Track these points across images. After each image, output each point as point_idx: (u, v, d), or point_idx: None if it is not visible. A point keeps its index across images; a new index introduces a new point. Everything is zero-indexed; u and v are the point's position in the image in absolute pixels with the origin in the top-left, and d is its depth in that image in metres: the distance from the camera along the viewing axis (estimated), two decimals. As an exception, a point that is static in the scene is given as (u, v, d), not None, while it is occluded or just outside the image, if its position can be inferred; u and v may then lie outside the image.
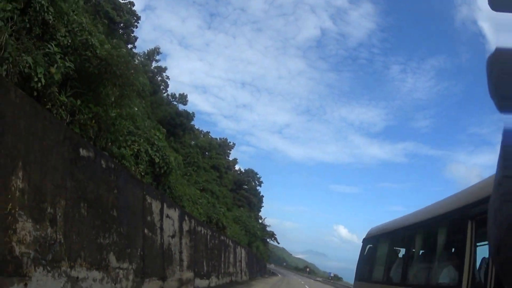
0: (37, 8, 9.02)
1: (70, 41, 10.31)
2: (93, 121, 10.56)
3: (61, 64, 9.21)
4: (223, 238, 28.17)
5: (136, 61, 41.48)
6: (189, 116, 50.24)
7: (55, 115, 8.77)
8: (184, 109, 51.78)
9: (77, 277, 8.37)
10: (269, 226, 76.07)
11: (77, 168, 8.53)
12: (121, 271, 10.47)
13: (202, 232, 21.30)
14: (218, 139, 68.93)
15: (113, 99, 11.22)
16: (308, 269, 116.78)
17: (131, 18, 44.75)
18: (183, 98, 53.69)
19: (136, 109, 16.25)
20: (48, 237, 7.37)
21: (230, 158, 68.81)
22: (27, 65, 8.20)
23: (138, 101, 20.21)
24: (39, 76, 8.38)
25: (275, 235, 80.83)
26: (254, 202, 68.24)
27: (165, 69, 51.85)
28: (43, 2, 9.21)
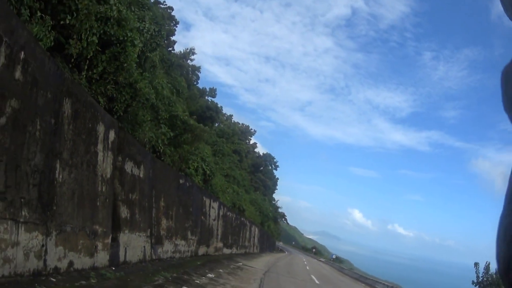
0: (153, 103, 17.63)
1: (167, 115, 18.91)
2: (178, 157, 19.27)
3: (168, 134, 17.86)
4: (242, 219, 37.26)
5: (173, 60, 49.61)
6: (218, 109, 58.71)
7: (169, 164, 17.53)
8: (212, 100, 60.33)
9: (176, 244, 17.20)
10: (280, 207, 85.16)
11: (179, 190, 17.33)
12: (191, 240, 19.34)
13: (229, 215, 30.23)
14: (241, 124, 77.84)
15: (190, 147, 19.91)
16: (314, 250, 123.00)
17: (172, 27, 52.78)
18: (212, 92, 62.18)
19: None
20: (170, 226, 16.20)
21: (251, 142, 77.68)
22: (154, 139, 16.85)
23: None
24: (160, 146, 17.05)
25: (286, 216, 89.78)
26: (269, 185, 77.39)
27: (199, 68, 60.07)
28: (159, 103, 17.84)
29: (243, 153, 65.39)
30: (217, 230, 25.40)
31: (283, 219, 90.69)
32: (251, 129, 76.92)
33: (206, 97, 60.50)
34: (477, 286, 33.83)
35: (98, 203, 9.75)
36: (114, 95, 13.23)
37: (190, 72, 59.96)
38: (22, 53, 6.93)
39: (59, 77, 8.22)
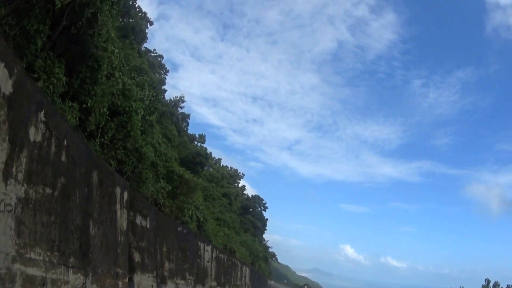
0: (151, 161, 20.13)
1: (165, 171, 21.37)
2: (175, 207, 21.66)
3: (166, 188, 20.28)
4: (234, 260, 39.29)
5: (165, 109, 52.38)
6: (207, 155, 61.23)
7: (168, 214, 19.90)
8: (202, 146, 63.05)
9: (177, 283, 19.38)
10: (271, 247, 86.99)
11: (177, 237, 19.64)
12: (189, 280, 21.51)
13: (222, 257, 32.34)
14: (229, 168, 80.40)
15: (185, 198, 22.34)
16: (305, 287, 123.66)
17: (162, 75, 55.76)
18: (202, 138, 64.80)
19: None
20: (171, 268, 18.44)
21: (239, 185, 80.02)
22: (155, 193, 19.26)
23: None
24: (160, 199, 19.44)
25: (276, 255, 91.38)
26: (258, 226, 79.41)
27: (188, 115, 62.86)
28: (159, 163, 20.34)
29: (232, 196, 67.58)
30: (211, 270, 27.50)
31: (273, 258, 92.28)
32: (240, 173, 79.46)
33: (196, 143, 63.23)
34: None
35: (118, 251, 12.12)
36: (123, 158, 15.73)
37: (180, 120, 62.81)
38: (65, 141, 9.41)
39: (88, 154, 10.72)
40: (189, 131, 65.73)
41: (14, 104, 6.93)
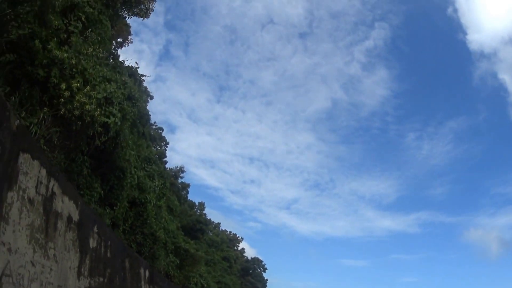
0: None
1: (173, 247, 24.71)
2: (183, 277, 24.85)
3: (175, 262, 23.57)
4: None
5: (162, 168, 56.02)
6: (207, 222, 64.40)
7: (177, 283, 23.12)
8: (201, 213, 66.49)
9: None
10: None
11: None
12: None
13: (225, 321, 35.12)
14: (228, 232, 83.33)
15: (191, 268, 25.57)
16: None
17: (163, 147, 59.56)
18: (201, 206, 68.14)
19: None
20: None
21: (239, 248, 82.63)
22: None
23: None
24: (170, 271, 22.70)
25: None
26: (258, 287, 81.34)
27: (188, 185, 66.35)
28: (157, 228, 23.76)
29: (232, 259, 70.09)
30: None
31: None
32: (238, 236, 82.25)
33: (196, 210, 66.59)
34: None
35: (144, 320, 15.46)
36: (142, 242, 19.18)
37: (181, 189, 66.39)
38: (109, 242, 12.96)
39: (122, 247, 14.28)
40: (189, 197, 69.27)
41: (80, 226, 10.54)
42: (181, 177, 68.15)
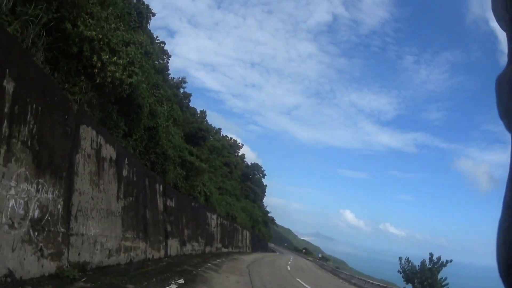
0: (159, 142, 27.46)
1: (180, 160, 28.69)
2: (189, 187, 29.15)
3: (182, 173, 27.65)
4: (235, 225, 47.38)
5: (168, 92, 59.24)
6: (208, 129, 68.52)
7: (184, 193, 27.46)
8: (205, 122, 70.54)
9: (193, 245, 27.06)
10: (270, 212, 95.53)
11: (192, 210, 27.24)
12: (201, 242, 29.23)
13: (225, 223, 40.21)
14: (229, 138, 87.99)
15: (196, 179, 29.79)
16: (304, 250, 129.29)
17: (165, 61, 62.11)
18: (203, 114, 71.98)
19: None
20: (189, 234, 26.11)
21: (239, 154, 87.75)
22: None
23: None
24: (178, 182, 26.90)
25: (275, 220, 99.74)
26: (258, 192, 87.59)
27: (190, 94, 69.71)
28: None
29: (233, 165, 75.23)
30: (217, 234, 35.35)
31: (272, 222, 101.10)
32: (239, 143, 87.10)
33: (197, 117, 70.50)
34: (402, 274, 46.27)
35: (159, 225, 19.65)
36: (155, 160, 23.01)
37: (183, 98, 69.83)
38: (135, 168, 16.66)
39: (143, 169, 18.05)
40: (190, 102, 72.89)
41: (117, 163, 14.20)
42: (183, 87, 71.42)
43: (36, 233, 8.43)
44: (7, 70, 7.86)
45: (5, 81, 7.78)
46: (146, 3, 36.37)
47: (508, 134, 0.98)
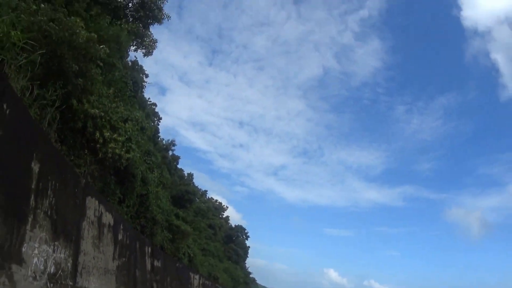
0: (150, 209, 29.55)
1: (167, 224, 30.73)
2: (174, 249, 31.04)
3: (169, 236, 29.64)
4: (217, 285, 48.83)
5: (159, 158, 61.75)
6: (195, 192, 70.63)
7: (169, 254, 29.31)
8: (192, 184, 72.80)
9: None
10: (251, 273, 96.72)
11: (176, 270, 29.04)
12: (184, 302, 30.80)
13: (207, 283, 41.74)
14: (214, 200, 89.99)
15: (181, 241, 31.73)
16: None
17: (156, 123, 64.95)
18: (190, 177, 74.28)
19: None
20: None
21: (224, 216, 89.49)
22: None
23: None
24: (165, 244, 28.83)
25: (256, 280, 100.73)
26: (241, 254, 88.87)
27: (178, 157, 72.20)
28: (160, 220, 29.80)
29: (217, 227, 76.86)
30: (200, 294, 36.92)
31: (254, 282, 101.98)
32: (224, 205, 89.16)
33: (184, 180, 72.80)
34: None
35: (147, 283, 21.56)
36: (144, 224, 25.11)
37: (171, 161, 72.35)
38: (127, 232, 18.80)
39: (134, 232, 20.17)
40: (178, 164, 75.30)
41: (114, 228, 16.39)
42: (173, 150, 74.00)
43: (51, 285, 10.58)
44: (34, 154, 10.17)
45: (32, 162, 10.08)
46: (140, 63, 39.02)
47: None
